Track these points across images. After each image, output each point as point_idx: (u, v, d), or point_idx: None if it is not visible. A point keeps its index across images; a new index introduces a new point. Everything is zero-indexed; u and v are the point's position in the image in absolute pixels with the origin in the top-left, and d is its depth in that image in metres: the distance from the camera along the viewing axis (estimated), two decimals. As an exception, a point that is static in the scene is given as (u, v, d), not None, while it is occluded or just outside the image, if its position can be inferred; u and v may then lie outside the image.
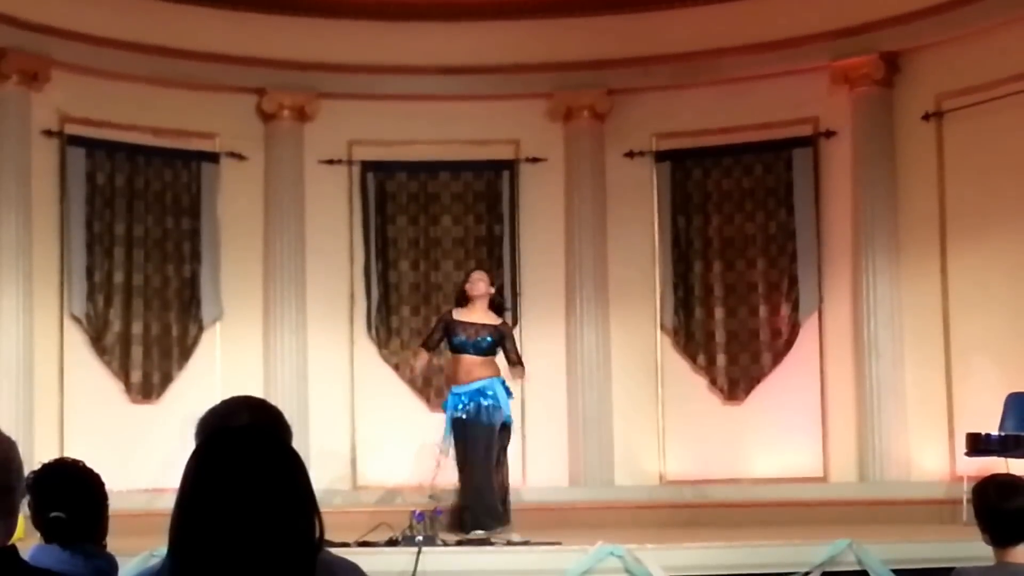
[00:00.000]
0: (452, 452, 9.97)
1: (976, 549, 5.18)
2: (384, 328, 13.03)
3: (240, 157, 12.88)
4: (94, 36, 12.02)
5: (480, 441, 9.83)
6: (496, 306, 10.32)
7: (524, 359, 10.28)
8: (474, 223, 13.20)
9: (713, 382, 12.77)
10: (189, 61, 12.45)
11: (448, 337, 10.18)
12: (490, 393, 9.92)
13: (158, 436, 11.55)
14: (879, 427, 11.89)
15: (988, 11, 11.50)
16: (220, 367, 12.60)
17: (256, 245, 12.83)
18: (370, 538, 8.42)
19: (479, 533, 9.35)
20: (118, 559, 4.35)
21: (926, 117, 12.03)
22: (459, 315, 10.18)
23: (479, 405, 9.86)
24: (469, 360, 10.04)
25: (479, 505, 9.67)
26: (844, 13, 12.23)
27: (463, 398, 9.93)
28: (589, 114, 13.03)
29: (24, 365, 11.52)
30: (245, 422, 3.14)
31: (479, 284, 10.22)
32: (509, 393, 10.06)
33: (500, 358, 10.20)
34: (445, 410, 10.16)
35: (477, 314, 10.16)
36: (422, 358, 10.55)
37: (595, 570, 7.76)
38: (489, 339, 10.09)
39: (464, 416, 9.85)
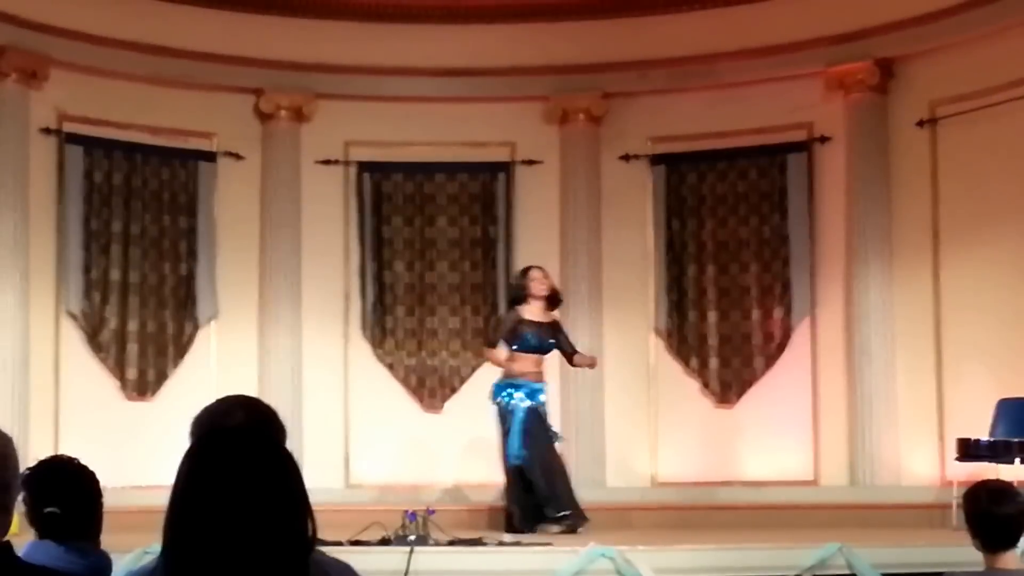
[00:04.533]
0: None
1: (965, 554, 5.21)
2: (379, 328, 13.06)
3: (237, 157, 12.92)
4: (93, 35, 12.06)
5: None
6: (553, 300, 10.49)
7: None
8: (469, 225, 13.22)
9: (705, 385, 12.81)
10: (187, 61, 12.48)
11: (517, 336, 10.28)
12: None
13: (153, 433, 11.59)
14: (870, 431, 11.93)
15: (983, 18, 11.53)
16: (215, 365, 12.64)
17: (252, 244, 12.86)
18: (363, 537, 8.45)
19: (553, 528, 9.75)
20: (112, 556, 4.37)
21: (920, 123, 12.08)
22: (526, 314, 10.31)
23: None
24: (538, 359, 10.31)
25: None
26: (839, 19, 12.27)
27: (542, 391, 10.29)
28: (585, 117, 13.06)
29: (20, 361, 11.55)
30: (239, 421, 3.17)
31: (545, 283, 10.41)
32: None
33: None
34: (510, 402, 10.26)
35: (537, 312, 10.30)
36: (500, 352, 10.57)
37: (586, 571, 7.77)
38: (552, 341, 10.40)
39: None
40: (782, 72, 12.54)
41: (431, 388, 12.98)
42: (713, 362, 12.79)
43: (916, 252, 12.02)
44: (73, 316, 12.12)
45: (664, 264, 12.99)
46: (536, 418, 10.19)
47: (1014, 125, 11.42)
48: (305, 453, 11.54)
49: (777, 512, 11.46)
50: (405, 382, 12.96)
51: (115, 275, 12.33)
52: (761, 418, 12.53)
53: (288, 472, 2.29)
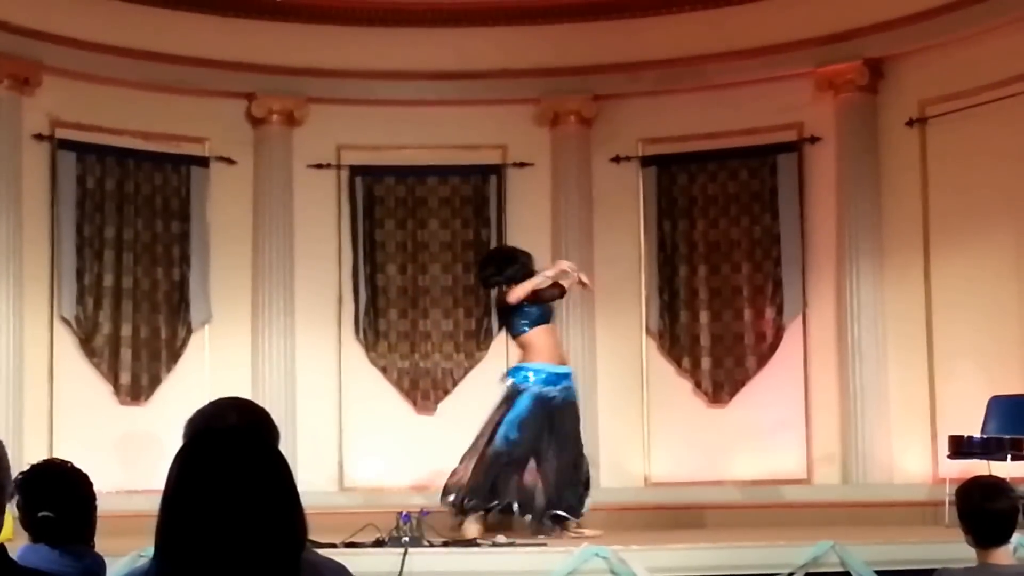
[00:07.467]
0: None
1: (958, 551, 5.25)
2: (372, 331, 13.08)
3: (229, 161, 12.93)
4: (85, 41, 12.07)
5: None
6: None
7: (511, 362, 10.36)
8: (461, 227, 13.25)
9: (698, 385, 12.84)
10: (179, 66, 12.50)
11: (529, 306, 9.80)
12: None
13: (147, 438, 11.60)
14: (862, 430, 11.97)
15: (972, 18, 11.57)
16: (209, 369, 12.65)
17: (245, 249, 12.87)
18: (357, 539, 8.46)
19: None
20: (106, 559, 4.40)
21: (910, 123, 12.11)
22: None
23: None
24: (554, 331, 9.98)
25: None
26: (829, 19, 12.30)
27: (564, 379, 9.88)
28: (576, 119, 13.09)
29: (14, 367, 11.56)
30: (232, 423, 3.20)
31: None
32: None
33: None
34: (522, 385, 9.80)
35: None
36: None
37: (580, 571, 7.79)
38: (501, 322, 10.01)
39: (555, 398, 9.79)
40: (772, 73, 12.57)
41: (424, 390, 13.00)
42: (705, 362, 12.82)
43: (906, 251, 12.06)
44: (67, 321, 12.14)
45: (656, 265, 13.02)
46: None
47: (1003, 124, 11.45)
48: (299, 456, 11.57)
49: (770, 511, 11.50)
50: (398, 384, 12.99)
51: (108, 280, 12.34)
52: (754, 417, 12.56)
53: (277, 472, 2.29)
